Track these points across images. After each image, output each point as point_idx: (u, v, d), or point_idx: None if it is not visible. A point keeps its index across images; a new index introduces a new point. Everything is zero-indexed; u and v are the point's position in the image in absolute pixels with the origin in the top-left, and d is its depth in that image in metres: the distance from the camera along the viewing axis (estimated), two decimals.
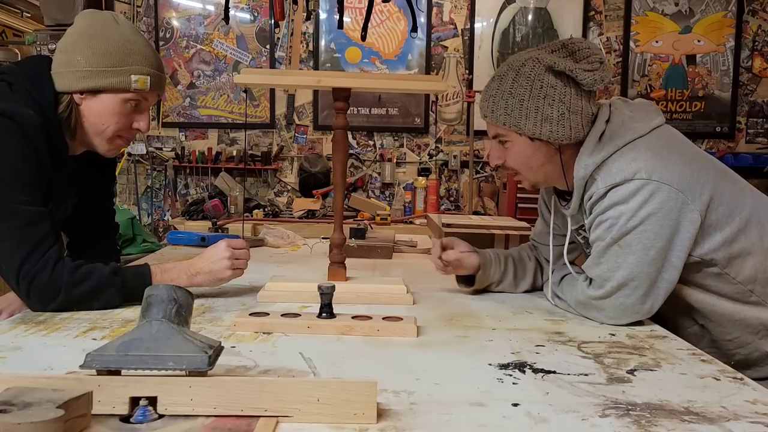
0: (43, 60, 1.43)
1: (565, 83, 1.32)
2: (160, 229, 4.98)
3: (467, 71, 4.90)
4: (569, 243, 1.45)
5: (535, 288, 1.58)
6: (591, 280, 1.33)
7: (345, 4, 3.72)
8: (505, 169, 1.45)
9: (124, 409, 0.76)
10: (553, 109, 1.31)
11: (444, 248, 1.54)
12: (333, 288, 1.21)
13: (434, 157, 5.00)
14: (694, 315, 1.34)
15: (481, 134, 4.84)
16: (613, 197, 1.27)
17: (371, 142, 5.00)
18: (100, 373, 0.77)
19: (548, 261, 1.52)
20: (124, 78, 1.39)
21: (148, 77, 1.41)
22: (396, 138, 5.00)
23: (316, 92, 4.87)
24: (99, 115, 1.41)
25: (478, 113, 4.99)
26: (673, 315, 1.37)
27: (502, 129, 1.38)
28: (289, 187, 5.00)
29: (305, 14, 3.74)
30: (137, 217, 4.54)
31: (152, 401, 0.76)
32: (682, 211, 1.23)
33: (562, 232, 1.48)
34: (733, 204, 1.28)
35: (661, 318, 1.33)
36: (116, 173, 2.08)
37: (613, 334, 1.23)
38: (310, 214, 3.10)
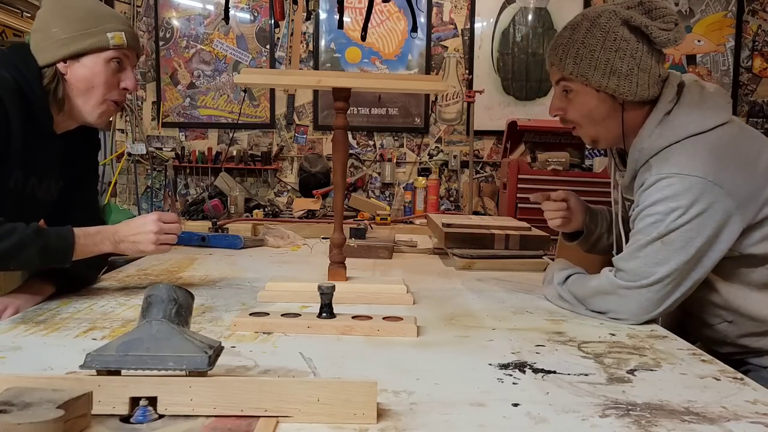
0: (23, 44, 1.47)
1: (638, 39, 1.32)
2: None
3: (467, 71, 4.90)
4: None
5: None
6: (618, 271, 1.31)
7: (345, 4, 3.72)
8: (563, 121, 1.44)
9: (124, 409, 0.76)
10: (624, 63, 1.31)
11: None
12: (333, 288, 1.21)
13: (434, 157, 5.00)
14: (721, 310, 1.34)
15: (481, 134, 4.85)
16: (664, 191, 1.25)
17: (371, 142, 5.00)
18: (100, 373, 0.77)
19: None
20: (100, 37, 1.43)
21: (123, 32, 1.45)
22: (396, 138, 5.00)
23: (316, 92, 4.87)
24: (85, 80, 1.43)
25: (478, 113, 4.96)
26: (699, 310, 1.36)
27: (568, 77, 1.37)
28: (289, 187, 5.00)
29: (305, 14, 3.74)
30: None
31: (152, 401, 0.76)
32: (727, 214, 1.23)
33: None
34: None
35: (686, 314, 1.32)
36: (100, 163, 2.06)
37: (613, 334, 1.23)
38: (310, 214, 3.10)
